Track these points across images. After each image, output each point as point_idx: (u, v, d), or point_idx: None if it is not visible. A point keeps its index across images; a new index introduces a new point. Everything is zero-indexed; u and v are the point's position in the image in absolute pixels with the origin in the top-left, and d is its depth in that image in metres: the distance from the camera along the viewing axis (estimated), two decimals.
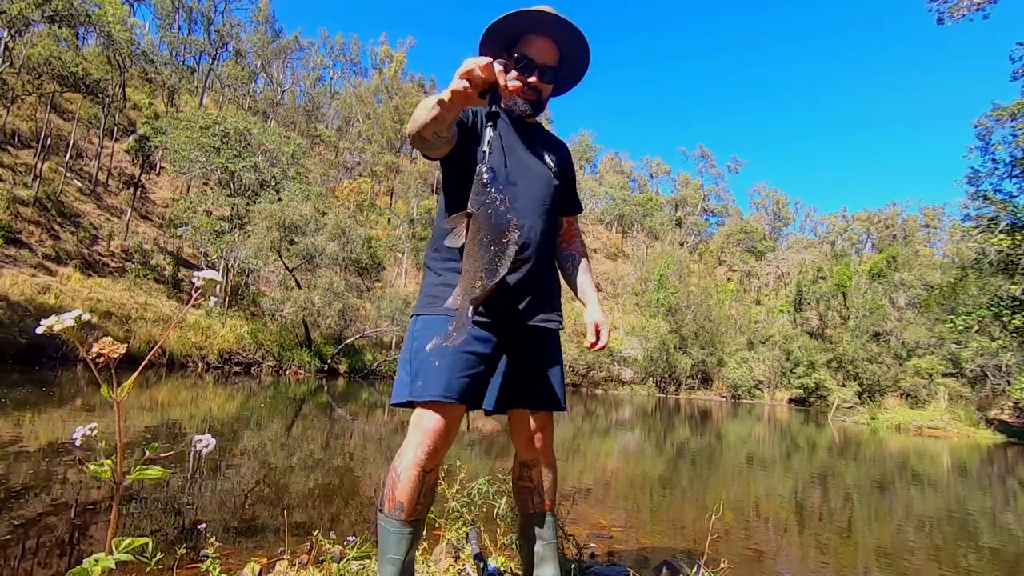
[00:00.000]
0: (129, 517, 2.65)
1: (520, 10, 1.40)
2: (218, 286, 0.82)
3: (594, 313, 1.58)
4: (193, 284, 0.80)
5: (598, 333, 1.55)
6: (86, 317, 0.70)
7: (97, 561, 0.69)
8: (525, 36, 1.45)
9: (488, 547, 2.08)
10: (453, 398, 1.34)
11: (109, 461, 0.70)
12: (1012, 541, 3.63)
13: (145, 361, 0.85)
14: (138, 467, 0.72)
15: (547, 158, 1.55)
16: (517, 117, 1.51)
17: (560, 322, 1.54)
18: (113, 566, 0.69)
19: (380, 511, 1.37)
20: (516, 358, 1.45)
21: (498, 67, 1.09)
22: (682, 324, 31.29)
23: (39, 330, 0.68)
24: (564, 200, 1.61)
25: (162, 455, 0.76)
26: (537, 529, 1.54)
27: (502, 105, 1.42)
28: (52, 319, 0.68)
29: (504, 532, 2.16)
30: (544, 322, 1.49)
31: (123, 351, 0.70)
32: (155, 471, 0.74)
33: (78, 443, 0.72)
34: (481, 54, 1.46)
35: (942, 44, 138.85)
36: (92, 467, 0.70)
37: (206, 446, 0.82)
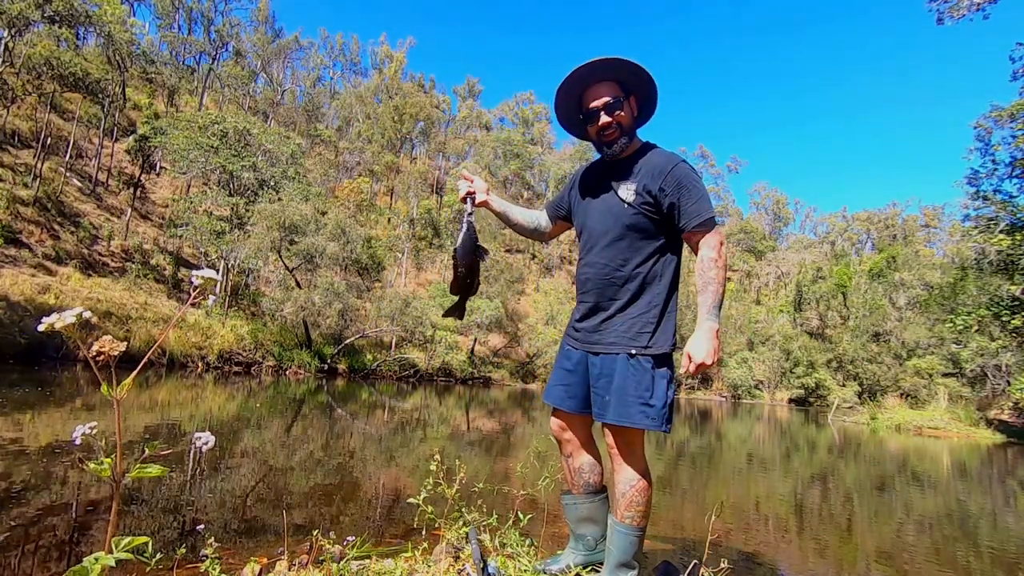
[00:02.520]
0: (129, 516, 2.65)
1: (561, 83, 1.67)
2: (216, 285, 0.82)
3: (690, 342, 1.55)
4: (191, 283, 0.81)
5: (690, 361, 1.54)
6: (87, 315, 0.70)
7: (97, 560, 0.69)
8: (584, 92, 1.70)
9: (488, 547, 2.08)
10: (550, 401, 1.82)
11: (109, 460, 0.70)
12: (1012, 541, 3.63)
13: (144, 360, 0.85)
14: (137, 466, 0.72)
15: (623, 190, 1.64)
16: (609, 159, 1.72)
17: (629, 347, 1.63)
18: (113, 565, 0.69)
19: None
20: (590, 374, 1.71)
21: (462, 189, 1.79)
22: (682, 324, 31.28)
23: (40, 328, 0.68)
24: (656, 224, 1.64)
25: (162, 453, 0.76)
26: (608, 531, 1.72)
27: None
28: (53, 317, 0.68)
29: (508, 532, 2.16)
30: (609, 347, 1.66)
31: (123, 349, 0.70)
32: (154, 469, 0.73)
33: (78, 442, 0.72)
34: (557, 113, 1.81)
35: (942, 44, 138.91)
36: (92, 466, 0.70)
37: (205, 443, 0.82)
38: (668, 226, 1.65)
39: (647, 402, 1.58)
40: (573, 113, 1.76)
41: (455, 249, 1.71)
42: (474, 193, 1.78)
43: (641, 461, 1.67)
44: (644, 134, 1.79)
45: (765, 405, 27.76)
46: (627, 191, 1.64)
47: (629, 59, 1.60)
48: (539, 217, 1.98)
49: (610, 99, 1.63)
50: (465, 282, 1.75)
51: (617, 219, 1.66)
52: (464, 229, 1.71)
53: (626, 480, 1.64)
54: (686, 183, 1.59)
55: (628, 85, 1.66)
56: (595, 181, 1.76)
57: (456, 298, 1.82)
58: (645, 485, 1.64)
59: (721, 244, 1.59)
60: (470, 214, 1.75)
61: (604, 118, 1.64)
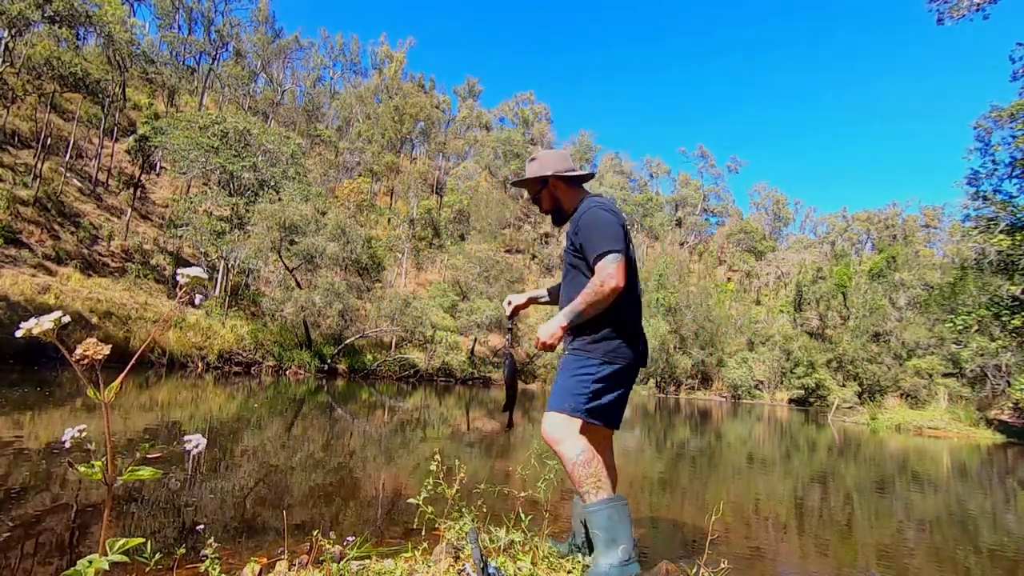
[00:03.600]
0: (129, 517, 2.65)
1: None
2: (206, 283, 0.81)
3: (541, 327, 1.95)
4: (177, 281, 0.80)
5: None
6: (66, 319, 0.69)
7: (91, 562, 0.68)
8: None
9: (488, 547, 2.08)
10: None
11: (100, 463, 0.69)
12: (1012, 541, 3.63)
13: (132, 362, 0.84)
14: (130, 468, 0.72)
15: (565, 240, 2.12)
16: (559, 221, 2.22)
17: (570, 349, 2.01)
18: (107, 567, 0.69)
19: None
20: None
21: (507, 308, 2.27)
22: (682, 324, 31.27)
23: (18, 333, 0.68)
24: (584, 261, 2.00)
25: (159, 455, 0.75)
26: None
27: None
28: (31, 322, 0.68)
29: (507, 532, 2.16)
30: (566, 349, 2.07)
31: (107, 352, 0.69)
32: (146, 472, 0.73)
33: (68, 445, 0.71)
34: None
35: (942, 44, 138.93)
36: (83, 469, 0.69)
37: (196, 446, 0.81)
38: (584, 259, 2.00)
39: (567, 390, 1.91)
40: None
41: (504, 374, 2.23)
42: (512, 319, 2.28)
43: (571, 441, 1.86)
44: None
45: (765, 405, 27.75)
46: (566, 240, 2.07)
47: (521, 178, 2.20)
48: None
49: (530, 199, 2.24)
50: (511, 396, 2.19)
51: (565, 262, 2.12)
52: (508, 362, 2.21)
53: (565, 464, 1.87)
54: (585, 226, 1.94)
55: (543, 179, 2.14)
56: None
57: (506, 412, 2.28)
58: (583, 460, 1.83)
59: (608, 275, 1.83)
60: (510, 345, 2.29)
61: (538, 208, 2.23)
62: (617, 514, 1.79)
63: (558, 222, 2.17)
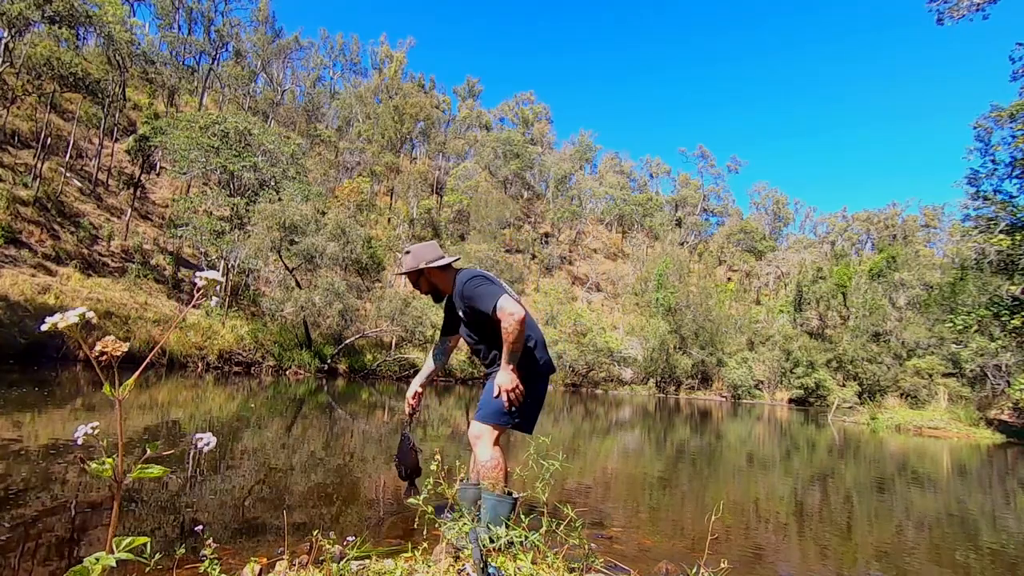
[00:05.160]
0: (129, 517, 2.65)
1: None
2: (218, 285, 0.82)
3: (497, 376, 2.34)
4: (195, 284, 0.81)
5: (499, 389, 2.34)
6: (90, 315, 0.70)
7: (98, 560, 0.69)
8: None
9: (488, 547, 2.08)
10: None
11: (111, 460, 0.70)
12: (1012, 541, 3.63)
13: (147, 361, 0.85)
14: (139, 466, 0.72)
15: (460, 312, 2.49)
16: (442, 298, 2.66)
17: (493, 373, 2.40)
18: (114, 564, 0.69)
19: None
20: None
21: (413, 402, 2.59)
22: (682, 324, 31.27)
23: (43, 327, 0.68)
24: (480, 316, 2.43)
25: (163, 454, 0.76)
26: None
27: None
28: (56, 316, 0.68)
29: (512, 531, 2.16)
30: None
31: (125, 349, 0.70)
32: (155, 470, 0.73)
33: (80, 442, 0.72)
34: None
35: (942, 44, 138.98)
36: (94, 466, 0.70)
37: (207, 444, 0.82)
38: (484, 315, 2.37)
39: (490, 407, 2.29)
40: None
41: (396, 457, 2.43)
42: (416, 408, 2.58)
43: (486, 448, 2.26)
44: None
45: (765, 405, 27.75)
46: (461, 312, 2.45)
47: (402, 270, 2.54)
48: (439, 351, 2.74)
49: (411, 283, 2.59)
50: (411, 476, 2.44)
51: (467, 326, 2.50)
52: (403, 442, 2.44)
53: (477, 461, 2.29)
54: (469, 296, 2.34)
55: (419, 270, 2.52)
56: (451, 309, 2.63)
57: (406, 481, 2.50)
58: (491, 465, 2.24)
59: (508, 313, 2.20)
60: (408, 425, 2.52)
61: (415, 288, 2.61)
62: (501, 507, 2.20)
63: (437, 300, 2.60)
